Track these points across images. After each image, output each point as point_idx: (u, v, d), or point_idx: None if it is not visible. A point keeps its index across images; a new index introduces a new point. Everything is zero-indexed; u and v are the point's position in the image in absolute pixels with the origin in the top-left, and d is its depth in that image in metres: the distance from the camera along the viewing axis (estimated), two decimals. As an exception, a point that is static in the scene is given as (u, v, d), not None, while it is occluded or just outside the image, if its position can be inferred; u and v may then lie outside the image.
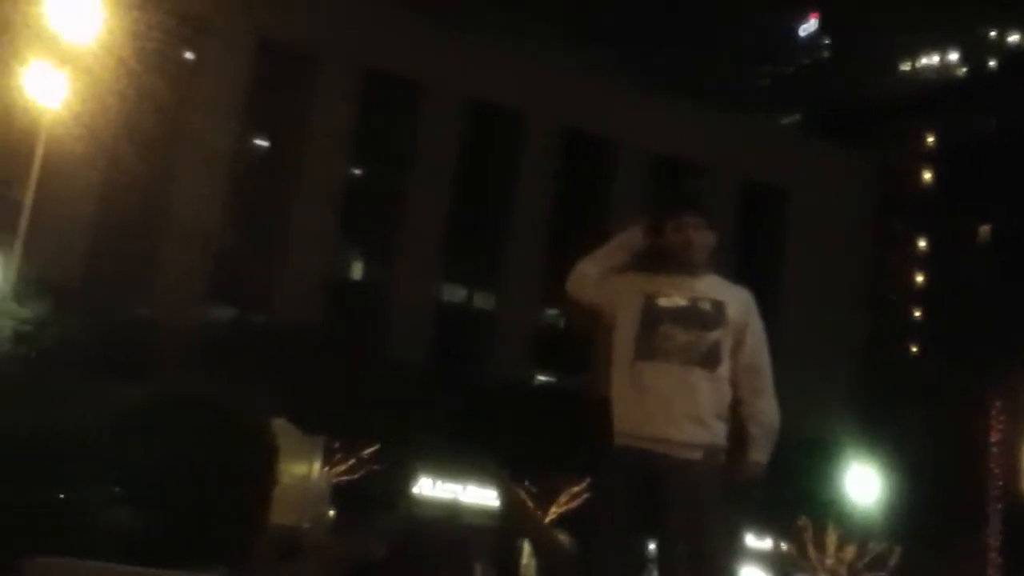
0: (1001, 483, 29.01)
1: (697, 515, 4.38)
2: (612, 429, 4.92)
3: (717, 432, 4.76)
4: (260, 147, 42.84)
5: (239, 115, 39.83)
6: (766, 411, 4.90)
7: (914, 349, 71.05)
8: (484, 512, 36.30)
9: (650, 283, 4.98)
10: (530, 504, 32.74)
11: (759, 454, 4.80)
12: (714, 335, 4.81)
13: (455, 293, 45.17)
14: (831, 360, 42.61)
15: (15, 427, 16.68)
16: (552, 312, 46.07)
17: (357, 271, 44.85)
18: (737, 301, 4.96)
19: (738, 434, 4.85)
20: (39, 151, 21.34)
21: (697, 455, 4.68)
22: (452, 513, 30.94)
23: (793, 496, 29.32)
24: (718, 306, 4.87)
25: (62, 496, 17.48)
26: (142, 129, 32.26)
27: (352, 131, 41.91)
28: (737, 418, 4.86)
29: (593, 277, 5.10)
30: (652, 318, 4.84)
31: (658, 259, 4.99)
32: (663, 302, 4.87)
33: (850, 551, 34.17)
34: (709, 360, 4.80)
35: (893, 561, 34.24)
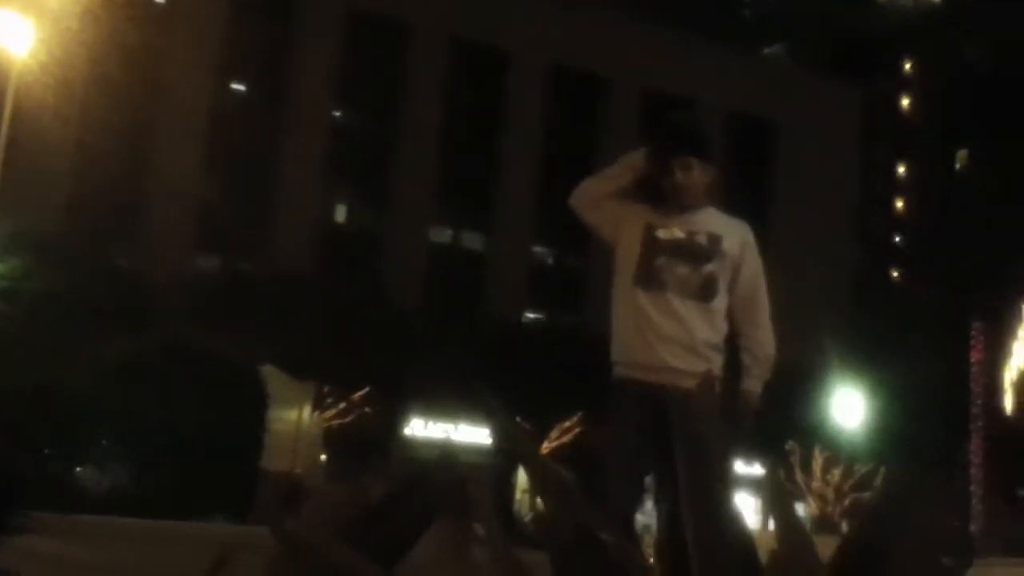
0: (981, 402, 29.40)
1: (696, 447, 4.42)
2: (610, 357, 5.00)
3: (713, 362, 4.83)
4: (240, 91, 42.41)
5: (217, 59, 39.43)
6: (762, 342, 5.00)
7: (896, 275, 71.40)
8: (476, 451, 36.53)
9: (651, 213, 5.04)
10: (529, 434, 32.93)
11: (753, 383, 4.90)
12: (710, 267, 4.90)
13: (445, 235, 45.12)
14: (820, 289, 42.81)
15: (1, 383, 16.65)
16: (542, 250, 46.15)
17: (346, 216, 44.67)
18: (734, 234, 5.03)
19: (734, 365, 4.93)
20: (8, 101, 21.07)
21: (691, 383, 4.75)
22: (446, 453, 31.05)
23: (781, 422, 29.63)
24: (714, 239, 4.95)
25: (47, 452, 17.51)
26: (116, 76, 31.94)
27: (336, 73, 41.59)
28: (733, 349, 4.94)
29: (598, 195, 5.17)
30: (651, 248, 4.92)
31: (657, 189, 5.03)
32: (662, 234, 4.94)
33: (836, 474, 34.64)
34: (705, 293, 4.89)
35: (878, 482, 34.72)
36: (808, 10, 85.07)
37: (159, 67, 37.32)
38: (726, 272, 4.93)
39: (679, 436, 4.56)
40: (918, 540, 1.77)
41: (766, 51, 72.31)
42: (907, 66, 79.32)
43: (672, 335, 4.82)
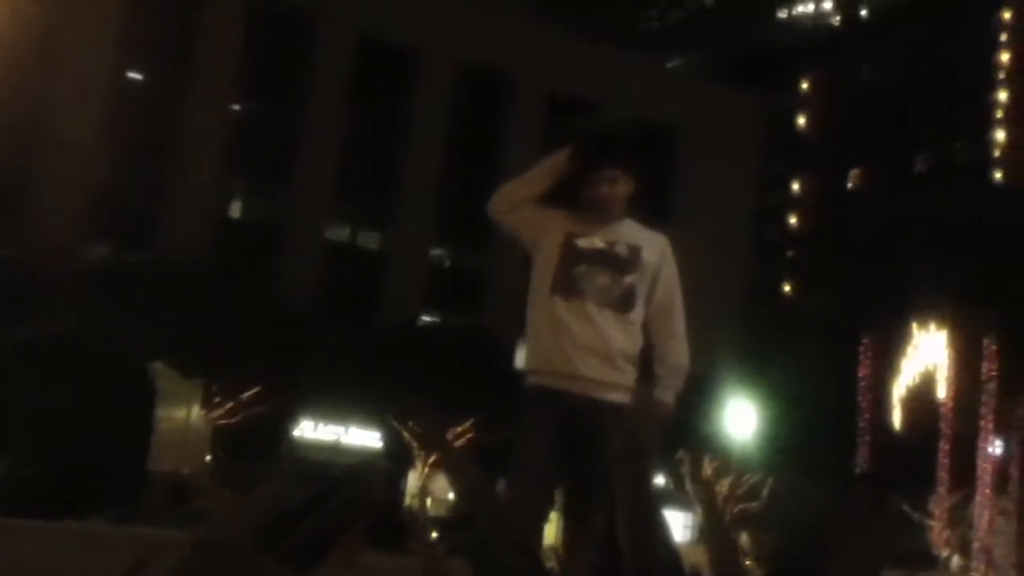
0: (868, 415, 30.10)
1: (636, 465, 4.35)
2: (524, 366, 4.95)
3: (628, 373, 4.80)
4: (139, 78, 41.54)
5: (116, 43, 38.60)
6: (675, 353, 4.97)
7: (790, 288, 72.79)
8: (366, 454, 36.32)
9: (571, 221, 4.99)
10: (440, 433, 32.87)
11: (666, 394, 4.87)
12: (629, 279, 4.86)
13: (344, 232, 44.74)
14: (714, 298, 43.41)
15: None
16: (441, 251, 46.05)
17: (243, 209, 44.02)
18: (653, 246, 5.01)
19: (647, 376, 4.90)
20: None
21: (618, 396, 4.74)
22: (365, 460, 30.85)
23: (674, 431, 29.90)
24: (635, 250, 4.91)
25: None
26: (11, 50, 30.95)
27: (239, 65, 41.00)
28: (646, 360, 4.91)
29: (517, 200, 5.10)
30: (571, 256, 4.86)
31: (576, 197, 4.98)
32: (582, 243, 4.88)
33: (725, 483, 35.11)
34: (623, 304, 4.84)
35: (766, 491, 35.32)
36: (712, 25, 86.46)
37: (57, 45, 36.38)
38: (645, 283, 4.90)
39: (619, 453, 4.48)
40: (855, 557, 1.73)
41: (671, 64, 73.22)
42: (805, 84, 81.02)
43: (589, 345, 4.75)
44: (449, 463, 1.71)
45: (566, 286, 4.81)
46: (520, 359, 4.95)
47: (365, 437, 38.03)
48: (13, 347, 18.38)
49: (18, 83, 32.06)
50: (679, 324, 5.01)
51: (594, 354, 4.74)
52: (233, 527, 2.19)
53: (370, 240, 45.27)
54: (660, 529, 1.78)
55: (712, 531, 1.69)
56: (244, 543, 2.07)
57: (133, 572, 1.92)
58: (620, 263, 4.86)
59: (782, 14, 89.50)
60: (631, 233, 4.97)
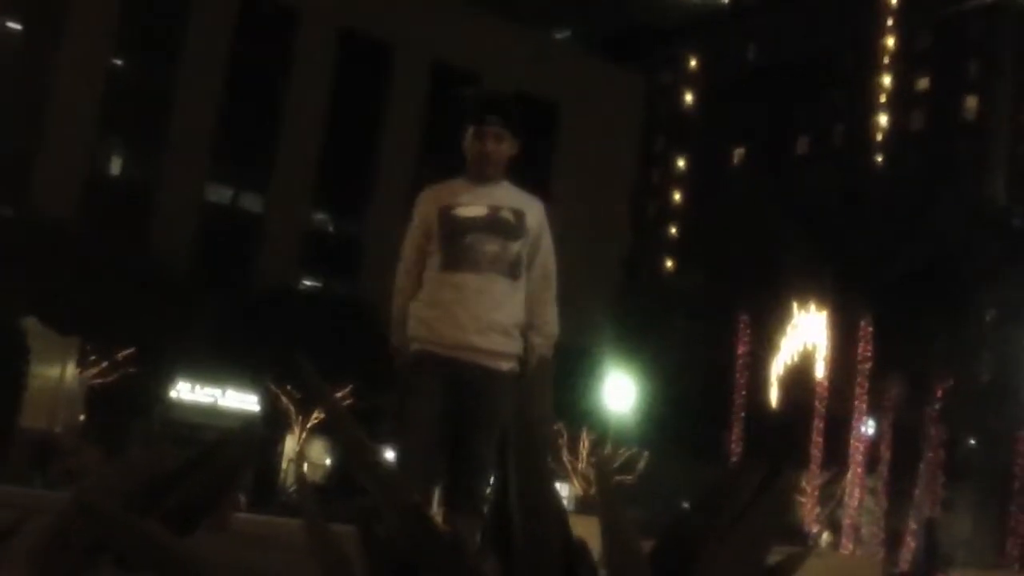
0: (744, 393, 30.62)
1: (529, 432, 4.30)
2: (411, 333, 4.81)
3: (519, 342, 4.77)
4: (14, 29, 40.17)
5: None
6: (549, 321, 4.92)
7: (669, 264, 73.69)
8: (244, 417, 35.92)
9: (445, 194, 4.90)
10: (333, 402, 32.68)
11: (545, 352, 4.83)
12: (516, 245, 4.78)
13: (222, 194, 44.00)
14: (593, 273, 43.81)
15: None
16: (320, 216, 45.60)
17: (118, 167, 42.98)
18: (534, 211, 4.93)
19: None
20: None
21: (509, 365, 4.70)
22: (248, 423, 30.46)
23: (553, 404, 30.13)
24: (519, 215, 4.83)
25: None
26: None
27: (115, 21, 39.94)
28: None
29: (412, 285, 4.92)
30: (454, 228, 4.76)
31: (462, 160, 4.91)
32: (462, 212, 4.78)
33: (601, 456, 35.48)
34: (514, 270, 4.77)
35: (641, 464, 35.83)
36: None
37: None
38: (527, 250, 4.83)
39: (491, 414, 4.44)
40: (743, 534, 1.73)
41: (556, 36, 73.34)
42: (691, 61, 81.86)
43: (482, 315, 4.68)
44: (335, 423, 1.67)
45: (456, 259, 4.73)
46: (403, 328, 4.85)
47: (242, 400, 37.62)
48: None
49: None
50: (552, 291, 4.95)
51: (486, 324, 4.68)
52: (110, 488, 2.14)
53: (249, 202, 44.61)
54: (553, 498, 1.78)
55: (606, 503, 1.68)
56: (121, 505, 2.02)
57: (4, 533, 1.86)
58: (507, 228, 4.78)
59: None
60: (512, 197, 4.89)
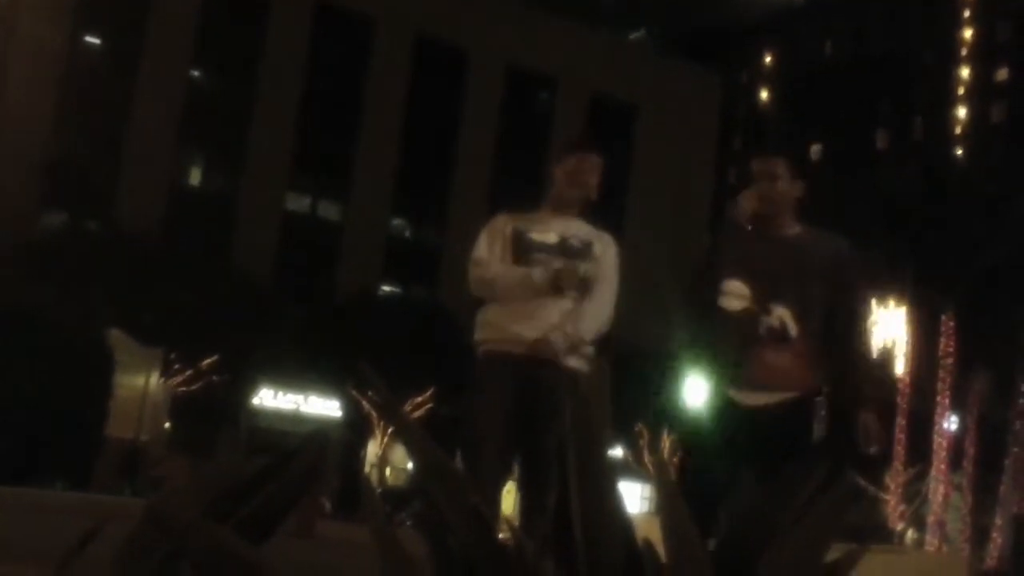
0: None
1: (588, 432, 4.33)
2: (479, 336, 4.95)
3: (581, 347, 4.82)
4: (96, 44, 40.97)
5: (74, 7, 38.13)
6: (588, 324, 4.94)
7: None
8: (325, 423, 36.25)
9: (520, 219, 5.06)
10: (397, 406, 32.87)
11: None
12: (584, 265, 4.92)
13: (301, 203, 44.48)
14: (668, 273, 43.56)
15: None
16: (399, 222, 45.90)
17: (199, 178, 43.63)
18: (603, 242, 5.06)
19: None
20: None
21: (576, 365, 4.76)
22: (320, 429, 30.76)
23: (632, 404, 30.11)
24: (586, 243, 4.98)
25: None
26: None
27: (196, 35, 40.59)
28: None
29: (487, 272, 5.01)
30: (524, 247, 4.92)
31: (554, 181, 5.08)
32: (534, 235, 4.95)
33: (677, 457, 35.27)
34: (580, 289, 4.89)
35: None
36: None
37: (12, 12, 35.87)
38: (594, 272, 4.93)
39: (572, 420, 4.42)
40: (804, 533, 1.74)
41: (631, 36, 73.09)
42: (766, 59, 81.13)
43: (544, 317, 4.79)
44: (403, 433, 1.72)
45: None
46: (476, 332, 4.96)
47: (324, 406, 37.97)
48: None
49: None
50: (602, 300, 4.99)
51: (553, 327, 4.78)
52: (188, 496, 2.20)
53: (328, 210, 45.04)
54: (613, 499, 1.80)
55: (667, 502, 1.71)
56: (198, 512, 2.08)
57: (85, 539, 1.92)
58: (575, 253, 4.93)
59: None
60: (582, 229, 5.04)
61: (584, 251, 4.95)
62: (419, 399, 32.95)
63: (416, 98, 44.52)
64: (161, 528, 1.79)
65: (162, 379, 28.64)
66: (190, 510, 2.03)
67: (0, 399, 17.20)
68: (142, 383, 25.06)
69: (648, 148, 48.10)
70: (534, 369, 4.71)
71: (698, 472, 4.75)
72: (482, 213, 5.94)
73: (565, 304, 4.84)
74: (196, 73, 42.24)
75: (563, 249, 4.92)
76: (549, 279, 4.84)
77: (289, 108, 41.87)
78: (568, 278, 4.80)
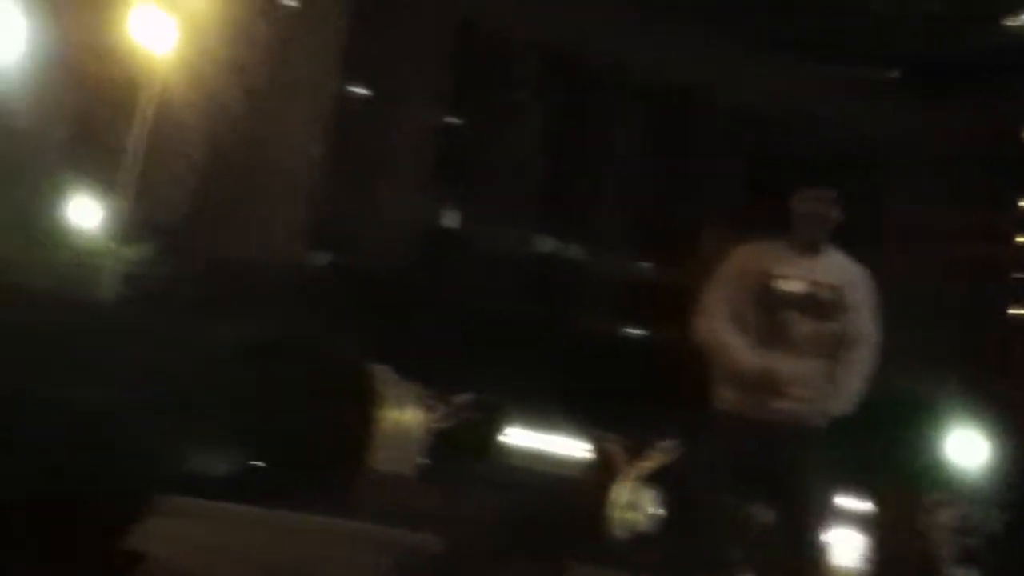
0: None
1: (809, 489, 4.28)
2: (714, 390, 4.91)
3: (819, 403, 4.73)
4: (358, 93, 42.85)
5: (338, 61, 40.01)
6: (843, 387, 4.77)
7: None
8: (573, 463, 36.42)
9: (767, 259, 4.79)
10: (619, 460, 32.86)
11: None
12: (834, 326, 4.70)
13: (546, 243, 45.09)
14: (933, 322, 41.90)
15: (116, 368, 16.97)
16: (645, 265, 45.90)
17: (449, 219, 44.89)
18: (855, 284, 4.80)
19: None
20: (146, 96, 21.79)
21: (815, 420, 4.68)
22: (543, 464, 31.13)
23: (886, 458, 29.05)
24: (838, 293, 4.72)
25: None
26: (244, 73, 32.50)
27: (446, 77, 41.90)
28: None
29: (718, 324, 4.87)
30: (771, 303, 4.70)
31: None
32: (783, 285, 4.69)
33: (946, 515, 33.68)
34: (832, 351, 4.70)
35: (988, 527, 33.63)
36: (928, 32, 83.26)
37: (284, 64, 37.93)
38: (847, 327, 4.71)
39: (795, 479, 4.38)
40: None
41: (883, 74, 70.99)
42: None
43: (788, 380, 4.61)
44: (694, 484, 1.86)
45: (769, 337, 4.65)
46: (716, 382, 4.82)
47: (572, 447, 38.12)
48: (249, 348, 19.21)
49: (249, 98, 33.61)
50: (859, 359, 4.76)
51: (793, 387, 4.62)
52: (484, 531, 2.38)
53: (571, 251, 45.44)
54: (813, 543, 1.88)
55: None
56: (493, 547, 2.26)
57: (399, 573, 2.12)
58: (825, 308, 4.66)
59: (1008, 20, 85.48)
60: (834, 269, 4.76)
61: (834, 305, 4.64)
62: (664, 444, 32.69)
63: (654, 139, 44.37)
64: (469, 561, 1.98)
65: (421, 415, 29.41)
66: (488, 544, 2.22)
67: (271, 427, 18.09)
68: (403, 418, 25.84)
69: (902, 190, 46.48)
70: (775, 430, 4.57)
71: None
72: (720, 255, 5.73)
73: (818, 366, 4.60)
74: (447, 119, 43.51)
75: (812, 304, 4.62)
76: (758, 382, 4.54)
77: (532, 148, 42.61)
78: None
